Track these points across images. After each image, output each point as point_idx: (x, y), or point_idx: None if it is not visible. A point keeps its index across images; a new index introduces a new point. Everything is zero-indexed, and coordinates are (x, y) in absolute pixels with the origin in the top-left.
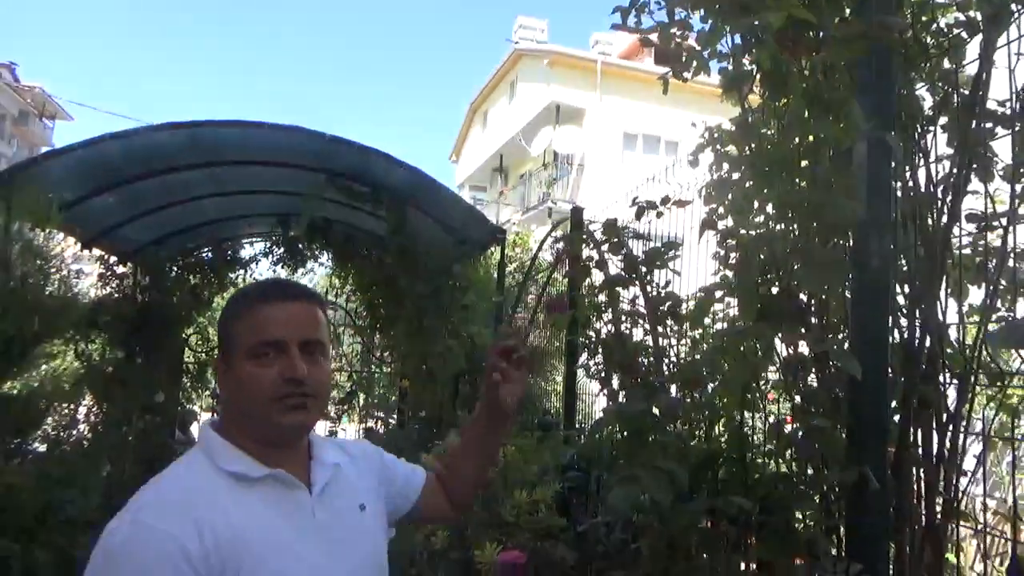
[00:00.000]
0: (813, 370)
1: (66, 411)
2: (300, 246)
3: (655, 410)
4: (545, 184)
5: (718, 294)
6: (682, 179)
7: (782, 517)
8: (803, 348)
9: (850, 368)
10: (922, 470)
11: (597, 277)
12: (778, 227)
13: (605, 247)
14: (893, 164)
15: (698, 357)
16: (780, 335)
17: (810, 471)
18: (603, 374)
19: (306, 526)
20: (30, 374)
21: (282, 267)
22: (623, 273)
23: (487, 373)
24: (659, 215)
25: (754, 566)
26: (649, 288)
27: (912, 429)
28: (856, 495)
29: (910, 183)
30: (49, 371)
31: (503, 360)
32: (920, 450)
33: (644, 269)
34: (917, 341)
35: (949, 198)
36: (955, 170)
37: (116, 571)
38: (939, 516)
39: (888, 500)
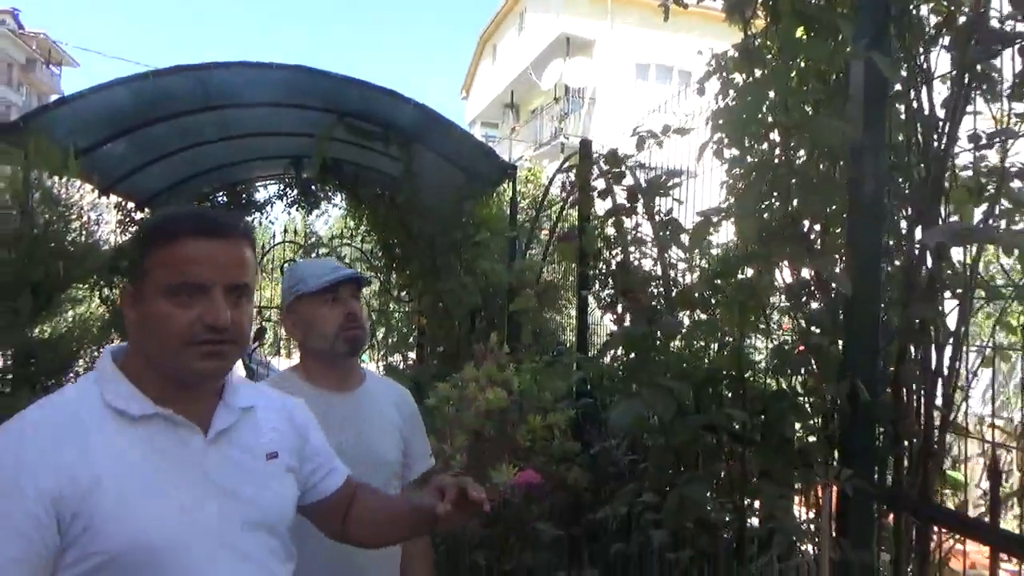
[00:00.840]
0: (817, 293)
1: (97, 354)
2: (313, 187)
3: (658, 332)
4: (557, 119)
5: (715, 219)
6: (690, 108)
7: (779, 429)
8: (806, 274)
9: (842, 286)
10: (922, 387)
11: (605, 208)
12: (781, 152)
13: (611, 177)
14: (897, 86)
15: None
16: (784, 259)
17: (810, 385)
18: (612, 302)
19: (190, 469)
20: (58, 319)
21: (296, 209)
22: (626, 203)
23: (430, 502)
24: (660, 144)
25: (754, 480)
26: (657, 217)
27: (912, 347)
28: (851, 407)
29: (914, 104)
30: (77, 317)
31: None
32: (920, 368)
33: (647, 197)
34: (917, 261)
35: (951, 118)
36: (955, 89)
37: None
38: (937, 430)
39: (884, 413)
